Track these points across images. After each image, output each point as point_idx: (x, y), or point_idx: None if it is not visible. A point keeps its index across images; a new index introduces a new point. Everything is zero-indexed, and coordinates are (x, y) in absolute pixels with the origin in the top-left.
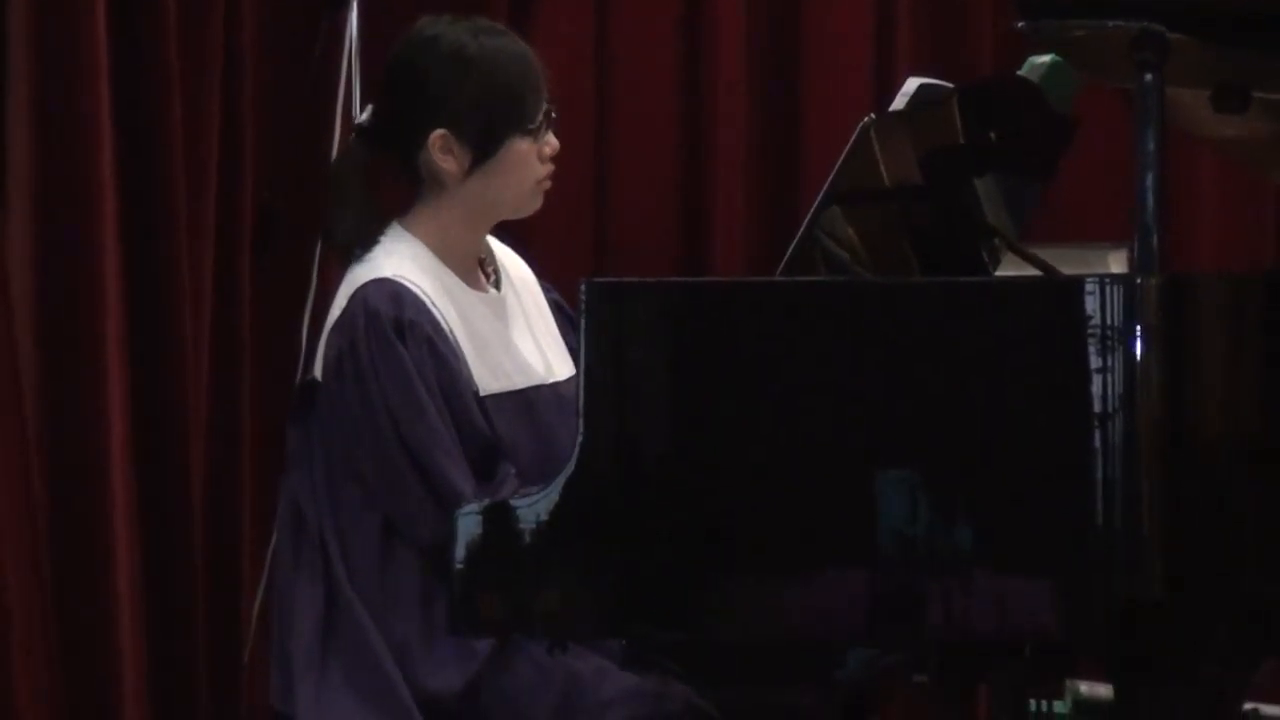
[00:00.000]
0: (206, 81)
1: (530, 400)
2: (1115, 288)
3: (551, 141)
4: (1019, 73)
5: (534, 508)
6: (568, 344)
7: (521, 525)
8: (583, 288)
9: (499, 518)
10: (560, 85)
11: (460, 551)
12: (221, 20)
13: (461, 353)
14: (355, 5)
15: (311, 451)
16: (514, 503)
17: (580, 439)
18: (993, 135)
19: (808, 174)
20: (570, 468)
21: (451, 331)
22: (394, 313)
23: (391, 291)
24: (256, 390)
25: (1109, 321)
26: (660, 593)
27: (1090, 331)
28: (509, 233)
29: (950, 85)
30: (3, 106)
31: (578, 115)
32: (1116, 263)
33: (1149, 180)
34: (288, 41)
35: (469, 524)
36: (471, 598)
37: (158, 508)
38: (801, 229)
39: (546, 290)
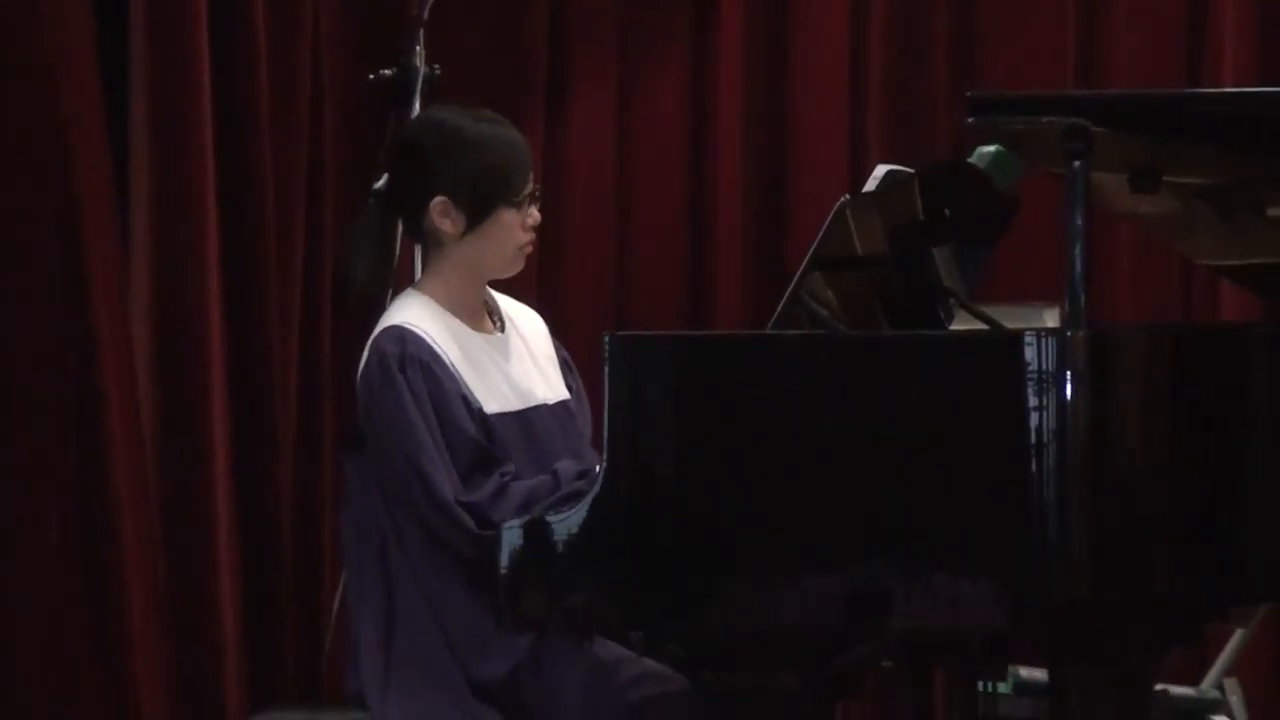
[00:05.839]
0: (293, 175)
1: (529, 419)
2: (1050, 340)
3: (534, 214)
4: (969, 160)
5: (566, 523)
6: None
7: (556, 537)
8: (606, 340)
9: (538, 531)
10: (587, 172)
11: (505, 559)
12: (307, 119)
13: (460, 376)
14: (418, 101)
15: (366, 480)
16: (549, 518)
17: (605, 466)
18: (947, 212)
19: (794, 245)
20: (596, 489)
21: (451, 362)
22: (398, 350)
23: (397, 335)
24: (335, 420)
25: (1044, 368)
26: (668, 591)
27: (1029, 376)
28: (546, 294)
29: (911, 170)
30: (126, 198)
31: (603, 200)
32: (1050, 318)
33: (1077, 249)
34: (362, 134)
35: (512, 536)
36: (515, 598)
37: (254, 521)
38: (788, 291)
39: (557, 348)
